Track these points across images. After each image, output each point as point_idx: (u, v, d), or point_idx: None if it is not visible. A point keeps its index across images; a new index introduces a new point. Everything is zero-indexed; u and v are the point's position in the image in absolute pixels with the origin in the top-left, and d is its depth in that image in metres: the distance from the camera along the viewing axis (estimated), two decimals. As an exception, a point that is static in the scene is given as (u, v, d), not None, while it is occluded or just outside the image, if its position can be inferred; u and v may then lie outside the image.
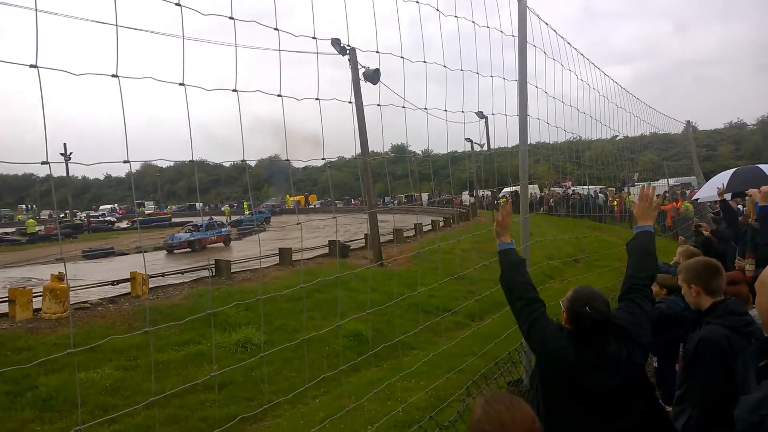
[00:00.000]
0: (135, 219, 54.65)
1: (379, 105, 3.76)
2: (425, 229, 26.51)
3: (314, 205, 74.21)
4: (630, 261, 3.16)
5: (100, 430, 6.76)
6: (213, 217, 43.32)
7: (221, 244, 31.41)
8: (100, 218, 61.39)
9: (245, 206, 67.04)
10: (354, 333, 10.22)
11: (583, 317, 2.72)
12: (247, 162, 3.43)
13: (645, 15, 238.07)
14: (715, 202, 10.52)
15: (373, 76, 15.00)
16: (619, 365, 2.71)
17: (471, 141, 33.10)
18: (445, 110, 4.28)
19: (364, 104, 13.98)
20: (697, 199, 11.40)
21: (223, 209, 66.00)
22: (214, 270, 15.04)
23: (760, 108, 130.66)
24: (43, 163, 2.35)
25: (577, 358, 2.69)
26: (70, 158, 52.57)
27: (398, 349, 8.81)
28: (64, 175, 54.03)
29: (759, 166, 9.08)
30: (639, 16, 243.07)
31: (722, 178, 9.14)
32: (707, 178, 19.72)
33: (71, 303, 11.81)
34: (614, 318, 2.82)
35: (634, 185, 25.82)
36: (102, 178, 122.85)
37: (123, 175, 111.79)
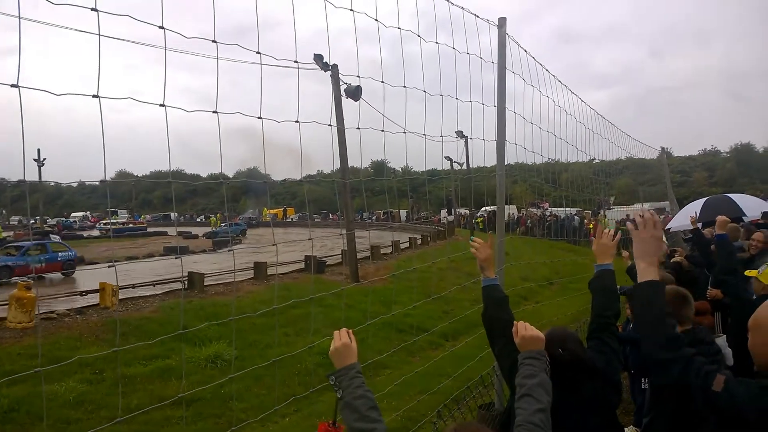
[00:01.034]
0: (119, 227, 53.80)
1: (359, 128, 3.76)
2: (402, 246, 26.56)
3: (292, 219, 73.84)
4: (594, 300, 3.15)
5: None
6: (52, 235, 35.89)
7: (57, 274, 24.22)
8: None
9: (213, 219, 66.18)
10: (327, 351, 10.10)
11: (557, 359, 2.68)
12: (225, 173, 3.40)
13: (620, 40, 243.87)
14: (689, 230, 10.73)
15: (355, 93, 15.04)
16: (597, 407, 2.71)
17: (450, 159, 33.50)
18: (424, 134, 4.31)
19: (345, 125, 14.01)
20: (669, 229, 11.66)
21: (210, 219, 65.36)
22: (186, 282, 14.83)
23: (733, 136, 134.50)
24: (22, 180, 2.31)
25: (555, 400, 2.67)
26: (43, 164, 51.82)
27: (371, 368, 8.75)
28: (37, 180, 52.96)
29: (729, 195, 9.30)
30: (615, 41, 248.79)
31: (694, 207, 9.34)
32: (681, 203, 20.12)
33: (38, 313, 11.52)
34: (588, 359, 2.81)
35: (610, 209, 26.29)
36: (75, 184, 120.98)
37: (97, 182, 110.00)
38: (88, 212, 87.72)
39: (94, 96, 2.47)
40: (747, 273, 4.84)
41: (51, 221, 66.82)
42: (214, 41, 2.89)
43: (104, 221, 62.47)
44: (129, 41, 3.36)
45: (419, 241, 28.52)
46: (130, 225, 59.83)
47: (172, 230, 56.97)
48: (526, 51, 5.35)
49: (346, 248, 19.42)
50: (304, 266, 18.93)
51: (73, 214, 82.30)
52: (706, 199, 9.37)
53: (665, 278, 5.72)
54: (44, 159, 52.67)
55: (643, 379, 5.43)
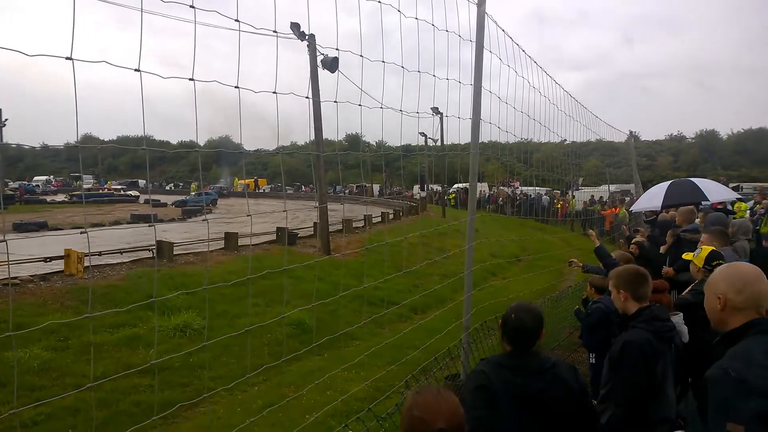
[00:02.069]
0: (77, 192, 52.30)
1: (336, 102, 3.76)
2: (375, 220, 26.62)
3: (264, 190, 73.13)
4: None
5: (26, 413, 6.53)
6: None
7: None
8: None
9: (194, 187, 65.30)
10: (297, 322, 10.18)
11: (506, 324, 2.96)
12: (194, 141, 3.37)
13: (594, 25, 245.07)
14: (651, 211, 11.02)
15: (332, 65, 14.89)
16: (546, 373, 2.87)
17: (425, 135, 33.52)
18: (401, 110, 4.32)
19: (321, 97, 13.88)
20: (631, 211, 11.96)
21: (191, 187, 64.13)
22: (155, 251, 14.66)
23: (699, 122, 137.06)
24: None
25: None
26: (4, 124, 50.11)
27: (341, 339, 8.86)
28: (-2, 142, 51.38)
29: (692, 180, 9.55)
30: (588, 25, 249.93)
31: (657, 191, 9.56)
32: (645, 186, 20.54)
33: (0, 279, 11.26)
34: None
35: (578, 189, 26.75)
36: (38, 147, 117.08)
37: (61, 145, 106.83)
38: (52, 176, 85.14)
39: (67, 58, 2.39)
40: (684, 256, 5.08)
41: (13, 185, 64.85)
42: (192, 6, 2.84)
43: (86, 187, 60.58)
44: (104, 1, 3.27)
45: (391, 216, 28.59)
46: (110, 191, 58.33)
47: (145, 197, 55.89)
48: (504, 30, 5.39)
49: (318, 221, 19.40)
50: (275, 238, 18.84)
51: (35, 178, 79.85)
52: (670, 183, 9.60)
53: (624, 257, 5.96)
54: (6, 120, 50.99)
55: (590, 354, 5.71)
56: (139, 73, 2.66)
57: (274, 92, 3.26)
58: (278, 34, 3.26)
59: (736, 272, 2.31)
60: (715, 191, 9.19)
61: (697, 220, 8.15)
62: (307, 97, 3.57)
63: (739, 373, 1.95)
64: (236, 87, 3.08)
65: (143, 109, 2.89)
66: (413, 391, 2.15)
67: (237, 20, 2.96)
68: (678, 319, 4.26)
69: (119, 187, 62.80)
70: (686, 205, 8.15)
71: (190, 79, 2.87)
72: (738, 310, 2.22)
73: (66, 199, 51.62)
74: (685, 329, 4.35)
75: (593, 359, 5.66)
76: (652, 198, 9.68)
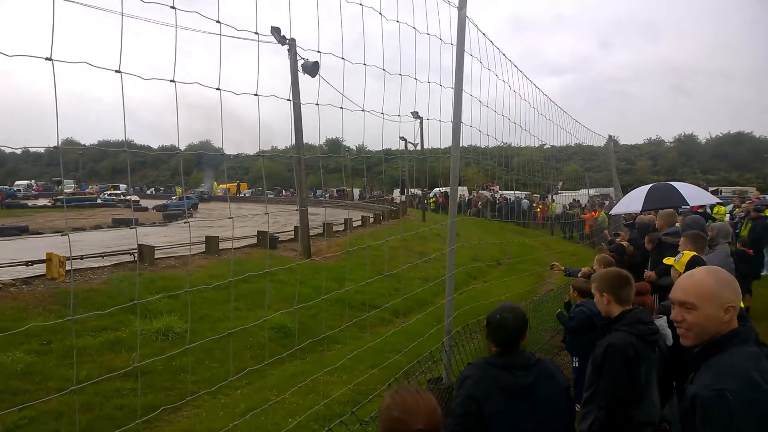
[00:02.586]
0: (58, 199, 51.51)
1: (317, 104, 3.80)
2: (355, 224, 26.64)
3: (245, 194, 72.77)
4: None
5: (9, 417, 6.46)
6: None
7: None
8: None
9: (179, 191, 64.66)
10: (279, 325, 10.17)
11: (491, 323, 3.02)
12: (177, 146, 3.37)
13: (571, 30, 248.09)
14: (629, 214, 11.18)
15: (312, 69, 14.93)
16: (532, 368, 2.93)
17: (405, 140, 33.60)
18: (382, 113, 4.36)
19: (301, 101, 13.86)
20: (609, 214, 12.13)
21: (177, 191, 63.47)
22: (136, 255, 14.53)
23: (677, 126, 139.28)
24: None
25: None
26: (-16, 128, 49.20)
27: (323, 343, 8.87)
28: (-24, 146, 50.44)
29: (672, 184, 9.70)
30: (566, 30, 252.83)
31: (637, 194, 9.68)
32: (625, 190, 20.83)
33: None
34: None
35: (558, 193, 27.03)
36: (19, 152, 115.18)
37: (42, 150, 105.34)
38: (33, 181, 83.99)
39: (47, 59, 2.36)
40: (665, 261, 5.12)
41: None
42: (172, 7, 2.82)
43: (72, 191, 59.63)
44: (84, 4, 3.27)
45: (372, 220, 28.63)
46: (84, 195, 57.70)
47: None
48: (484, 34, 5.47)
49: (299, 224, 19.37)
50: (256, 242, 18.78)
51: (16, 183, 78.61)
52: (650, 186, 9.73)
53: (606, 260, 6.05)
54: (-16, 124, 50.12)
55: (573, 357, 5.79)
56: (119, 74, 2.63)
57: (256, 94, 3.28)
58: (259, 35, 3.27)
59: (729, 277, 2.20)
60: (694, 195, 9.34)
61: (677, 224, 8.30)
62: (288, 100, 3.58)
63: (741, 396, 1.87)
64: (217, 89, 3.08)
65: (124, 110, 2.89)
66: (391, 391, 2.16)
67: (218, 21, 2.95)
68: (662, 322, 4.32)
69: (120, 192, 61.76)
70: (666, 209, 8.26)
71: (171, 81, 2.85)
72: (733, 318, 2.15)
73: (48, 204, 50.88)
74: (669, 332, 4.41)
75: (576, 363, 5.72)
76: (632, 202, 9.79)
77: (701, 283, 2.18)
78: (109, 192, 60.97)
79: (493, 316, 3.02)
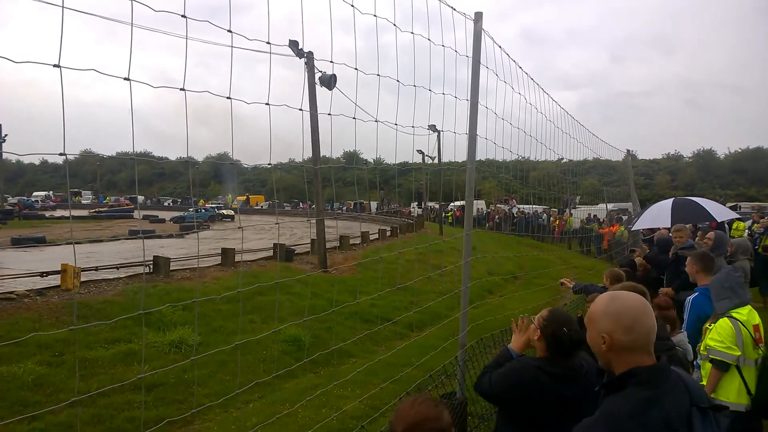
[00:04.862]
0: (100, 210, 52.35)
1: (330, 114, 3.77)
2: (372, 237, 26.60)
3: (261, 206, 73.18)
4: None
5: (18, 428, 6.45)
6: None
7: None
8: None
9: (202, 202, 65.37)
10: (293, 338, 10.12)
11: (563, 339, 2.87)
12: (193, 158, 3.33)
13: (584, 45, 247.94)
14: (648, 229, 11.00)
15: (329, 82, 14.99)
16: (580, 377, 2.88)
17: (422, 153, 33.63)
18: (396, 124, 4.32)
19: (318, 110, 13.94)
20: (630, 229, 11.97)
21: (199, 203, 64.33)
22: (151, 266, 14.60)
23: (696, 141, 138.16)
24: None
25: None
26: (4, 140, 50.23)
27: (336, 356, 8.79)
28: (-3, 157, 51.64)
29: (694, 199, 9.57)
30: (579, 45, 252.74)
31: (661, 209, 9.53)
32: (643, 205, 20.59)
33: (-4, 293, 11.21)
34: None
35: (576, 207, 26.81)
36: (37, 163, 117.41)
37: (60, 161, 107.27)
38: (50, 192, 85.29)
39: (55, 66, 2.33)
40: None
41: (12, 200, 64.80)
42: (183, 16, 2.74)
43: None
44: (92, 14, 3.25)
45: (389, 233, 28.59)
46: (118, 206, 58.61)
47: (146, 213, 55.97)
48: (500, 47, 5.41)
49: (315, 237, 19.37)
50: (272, 254, 18.81)
51: (35, 194, 79.88)
52: (671, 202, 9.56)
53: (620, 275, 5.93)
54: (5, 135, 51.15)
55: None
56: (128, 81, 2.60)
57: (267, 103, 3.26)
58: (271, 45, 3.25)
59: (623, 306, 1.99)
60: (719, 212, 9.26)
61: (696, 239, 8.17)
62: (300, 109, 3.55)
63: None
64: (228, 98, 3.06)
65: (132, 117, 2.84)
66: (408, 400, 2.21)
67: (230, 31, 2.92)
68: (683, 337, 4.22)
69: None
70: (693, 224, 8.17)
71: (181, 89, 2.81)
72: (626, 351, 1.94)
73: (66, 215, 51.57)
74: (689, 347, 4.31)
75: None
76: (657, 217, 9.62)
77: (594, 305, 2.07)
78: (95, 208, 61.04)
79: (559, 328, 2.89)
